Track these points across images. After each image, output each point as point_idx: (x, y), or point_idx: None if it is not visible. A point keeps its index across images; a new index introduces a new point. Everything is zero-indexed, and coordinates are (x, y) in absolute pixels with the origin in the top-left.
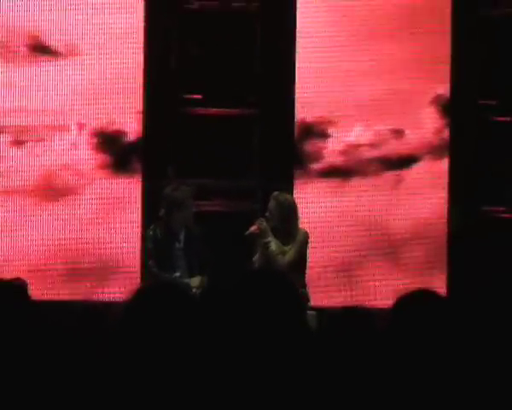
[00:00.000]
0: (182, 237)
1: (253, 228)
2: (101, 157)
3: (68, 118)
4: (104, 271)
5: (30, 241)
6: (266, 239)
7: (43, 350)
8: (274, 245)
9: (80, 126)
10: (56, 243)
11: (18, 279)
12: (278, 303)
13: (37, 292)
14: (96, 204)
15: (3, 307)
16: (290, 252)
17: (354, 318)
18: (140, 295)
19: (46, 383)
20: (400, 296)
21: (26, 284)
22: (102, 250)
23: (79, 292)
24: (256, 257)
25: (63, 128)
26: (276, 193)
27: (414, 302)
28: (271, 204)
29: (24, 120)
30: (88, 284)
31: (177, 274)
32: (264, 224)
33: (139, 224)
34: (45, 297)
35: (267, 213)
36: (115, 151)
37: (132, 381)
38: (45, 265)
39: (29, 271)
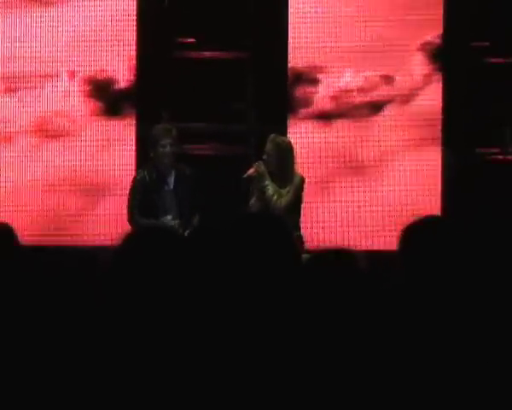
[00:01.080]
0: (172, 179)
1: (250, 171)
2: (94, 104)
3: (60, 65)
4: (95, 215)
5: (21, 183)
6: (264, 183)
7: (32, 297)
8: (271, 189)
9: (72, 74)
10: (48, 184)
11: (3, 224)
12: (273, 246)
13: (28, 234)
14: (90, 147)
15: None
16: (287, 196)
17: (338, 259)
18: (129, 240)
19: (35, 333)
20: (407, 226)
21: (12, 229)
22: (95, 194)
23: (69, 234)
24: (252, 201)
25: (55, 76)
26: (272, 135)
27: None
28: (269, 147)
29: (15, 68)
30: (78, 227)
31: (169, 217)
32: (262, 167)
33: (133, 167)
34: (37, 239)
35: (264, 156)
36: (108, 97)
37: (124, 327)
38: (36, 206)
39: (19, 211)
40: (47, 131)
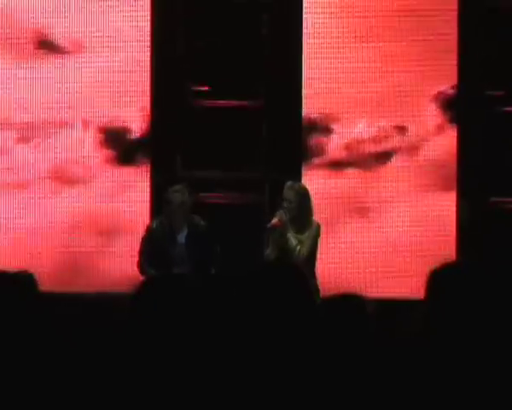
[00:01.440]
0: (184, 232)
1: (275, 221)
2: (108, 152)
3: (74, 114)
4: (112, 261)
5: (34, 228)
6: (286, 232)
7: (52, 343)
8: (293, 238)
9: (86, 122)
10: (62, 229)
11: (24, 271)
12: (291, 297)
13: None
14: (104, 195)
15: (11, 299)
16: (306, 245)
17: (348, 305)
18: (145, 288)
19: (54, 378)
20: (434, 270)
21: (33, 276)
22: (110, 236)
23: (85, 282)
24: (269, 251)
25: (69, 124)
26: (290, 182)
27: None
28: (290, 194)
29: (30, 117)
30: (94, 273)
31: (179, 270)
32: (284, 216)
33: (148, 215)
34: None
35: (285, 204)
36: (122, 146)
37: (140, 373)
38: (52, 248)
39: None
40: (62, 178)
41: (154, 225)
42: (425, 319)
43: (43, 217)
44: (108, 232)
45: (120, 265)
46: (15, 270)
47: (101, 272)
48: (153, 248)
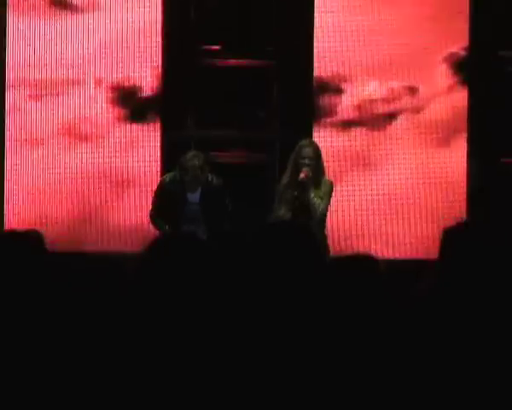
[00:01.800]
0: (198, 192)
1: (303, 176)
2: (120, 110)
3: (86, 72)
4: (122, 215)
5: (48, 183)
6: (309, 189)
7: (60, 302)
8: (314, 195)
9: (98, 81)
10: (72, 187)
11: (33, 230)
12: (300, 255)
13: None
14: (115, 151)
15: (20, 258)
16: (324, 202)
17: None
18: (155, 247)
19: (62, 337)
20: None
21: (42, 235)
22: (120, 200)
23: (96, 237)
24: (283, 211)
25: (81, 82)
26: (306, 140)
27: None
28: (308, 151)
29: (42, 74)
30: (105, 227)
31: (192, 228)
32: (310, 173)
33: (158, 173)
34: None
35: (307, 161)
36: (133, 104)
37: (149, 334)
38: (60, 210)
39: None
40: (74, 136)
41: (168, 180)
42: (437, 277)
43: (56, 172)
44: (119, 187)
45: (130, 219)
46: (25, 229)
47: (112, 226)
48: (164, 202)
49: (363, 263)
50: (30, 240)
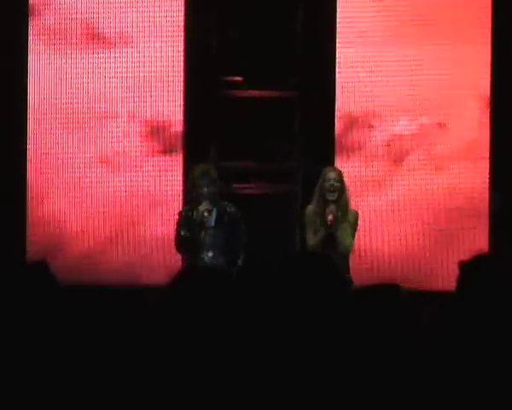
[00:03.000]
0: (213, 216)
1: (330, 217)
2: (143, 142)
3: (118, 106)
4: (146, 246)
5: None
6: (336, 228)
7: (73, 337)
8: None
9: (129, 115)
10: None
11: (41, 261)
12: (324, 288)
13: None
14: (143, 181)
15: (27, 291)
16: (352, 236)
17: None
18: (180, 281)
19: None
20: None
21: (48, 266)
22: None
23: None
24: (308, 235)
25: (114, 116)
26: (330, 166)
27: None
28: (333, 174)
29: (76, 107)
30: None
31: (210, 254)
32: (336, 211)
33: (180, 205)
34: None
35: (332, 181)
36: (156, 137)
37: (174, 365)
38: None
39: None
40: (107, 165)
41: (185, 210)
42: (456, 312)
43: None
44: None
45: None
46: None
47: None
48: (188, 231)
49: (385, 293)
50: (38, 272)
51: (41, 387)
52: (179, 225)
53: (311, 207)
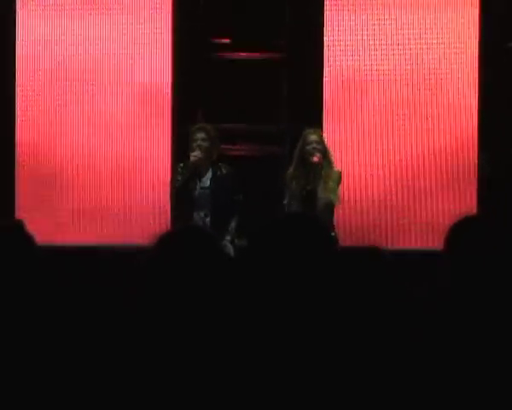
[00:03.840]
0: (208, 176)
1: (316, 158)
2: (136, 108)
3: (104, 70)
4: (131, 209)
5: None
6: (316, 185)
7: (51, 301)
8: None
9: (117, 79)
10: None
11: (16, 222)
12: (311, 247)
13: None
14: (130, 140)
15: (4, 251)
16: (334, 194)
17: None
18: (163, 242)
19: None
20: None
21: (22, 225)
22: (132, 187)
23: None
24: (286, 200)
25: (100, 80)
26: (310, 129)
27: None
28: (314, 137)
29: (63, 72)
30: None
31: (202, 213)
32: (321, 156)
33: (168, 168)
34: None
35: (314, 144)
36: (149, 102)
37: (156, 328)
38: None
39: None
40: (94, 128)
41: (180, 169)
42: (445, 274)
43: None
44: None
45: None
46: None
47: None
48: (182, 189)
49: (369, 256)
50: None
51: (20, 354)
52: (174, 177)
53: (289, 173)
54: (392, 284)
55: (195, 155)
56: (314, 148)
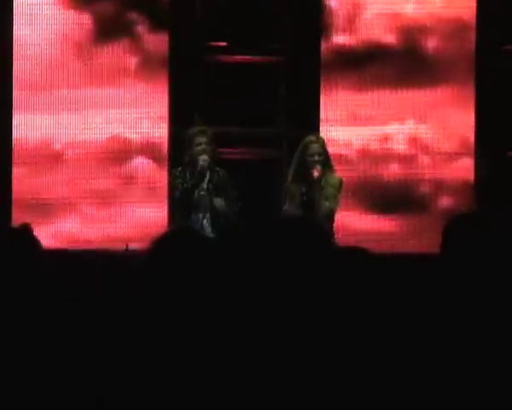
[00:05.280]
0: (206, 179)
1: (316, 173)
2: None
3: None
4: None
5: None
6: (319, 187)
7: (57, 300)
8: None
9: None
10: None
11: (24, 225)
12: (311, 251)
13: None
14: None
15: (9, 256)
16: (336, 199)
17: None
18: (159, 245)
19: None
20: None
21: (31, 229)
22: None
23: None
24: (286, 206)
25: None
26: (312, 136)
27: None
28: (316, 147)
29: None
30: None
31: (200, 216)
32: (321, 169)
33: (165, 170)
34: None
35: (316, 157)
36: (145, 104)
37: (154, 330)
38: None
39: None
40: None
41: (179, 173)
42: (441, 272)
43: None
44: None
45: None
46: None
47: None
48: (181, 194)
49: (355, 257)
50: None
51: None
52: (173, 187)
53: (289, 177)
54: (380, 284)
55: (205, 159)
56: (315, 161)
